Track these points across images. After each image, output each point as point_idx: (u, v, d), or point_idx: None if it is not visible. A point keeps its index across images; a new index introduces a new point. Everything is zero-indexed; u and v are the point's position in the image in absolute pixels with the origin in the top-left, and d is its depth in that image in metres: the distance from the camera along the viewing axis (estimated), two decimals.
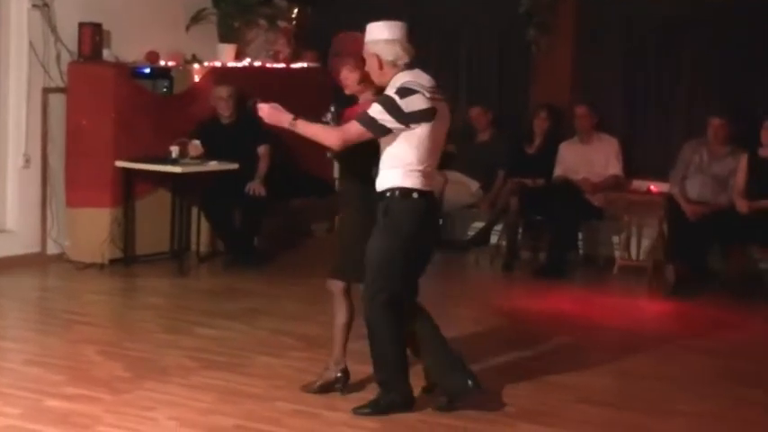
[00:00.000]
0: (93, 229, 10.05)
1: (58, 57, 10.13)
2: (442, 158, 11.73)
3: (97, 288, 9.54)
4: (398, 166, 6.22)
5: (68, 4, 10.13)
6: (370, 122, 6.14)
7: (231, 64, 11.34)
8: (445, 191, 11.12)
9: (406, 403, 6.44)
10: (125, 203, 10.16)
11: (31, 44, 9.93)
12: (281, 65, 11.84)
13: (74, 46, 10.17)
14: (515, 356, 7.78)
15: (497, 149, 11.36)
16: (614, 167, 10.91)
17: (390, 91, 6.18)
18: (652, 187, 10.87)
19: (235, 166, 10.28)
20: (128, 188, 10.16)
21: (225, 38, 11.47)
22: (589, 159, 10.92)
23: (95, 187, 10.06)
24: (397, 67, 6.26)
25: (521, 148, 11.36)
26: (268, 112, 6.33)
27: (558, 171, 11.03)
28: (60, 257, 10.23)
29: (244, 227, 10.57)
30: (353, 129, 6.19)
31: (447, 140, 11.76)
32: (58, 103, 10.16)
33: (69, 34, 10.13)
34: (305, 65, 12.01)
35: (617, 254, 10.95)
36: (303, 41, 12.16)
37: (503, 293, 10.19)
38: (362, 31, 6.40)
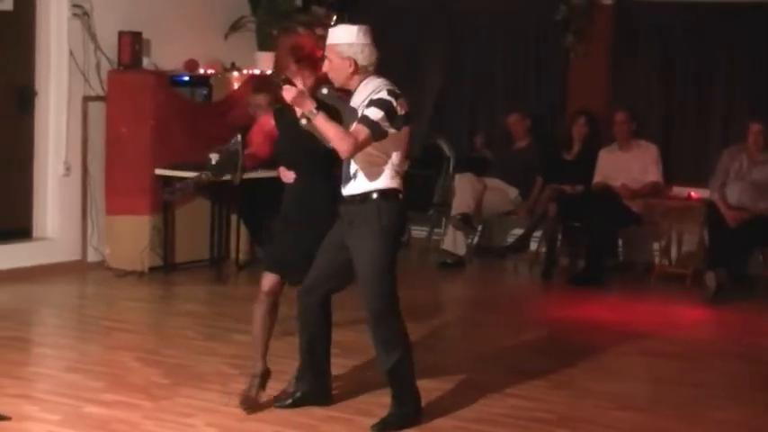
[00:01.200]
0: (132, 237, 10.12)
1: (98, 65, 10.21)
2: (479, 165, 11.83)
3: (136, 295, 9.59)
4: (383, 167, 6.16)
5: (108, 13, 10.22)
6: (375, 127, 6.04)
7: (269, 71, 11.38)
8: (484, 198, 11.13)
9: (417, 413, 6.43)
10: (164, 211, 10.22)
11: (71, 53, 10.01)
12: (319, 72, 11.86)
13: (113, 54, 10.24)
14: (553, 363, 7.76)
15: (535, 156, 11.34)
16: (653, 174, 10.87)
17: (382, 93, 6.10)
18: (692, 193, 10.84)
19: (273, 173, 10.29)
20: None
21: (263, 46, 11.52)
22: (628, 166, 10.88)
23: (135, 195, 10.12)
24: (368, 71, 6.23)
25: (559, 154, 11.34)
26: (293, 93, 6.10)
27: (597, 178, 11.00)
28: (100, 265, 10.29)
29: None
30: (363, 136, 6.03)
31: (484, 147, 11.89)
32: (97, 111, 10.23)
33: (109, 43, 10.21)
34: None
35: (657, 260, 10.91)
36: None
37: (541, 300, 10.17)
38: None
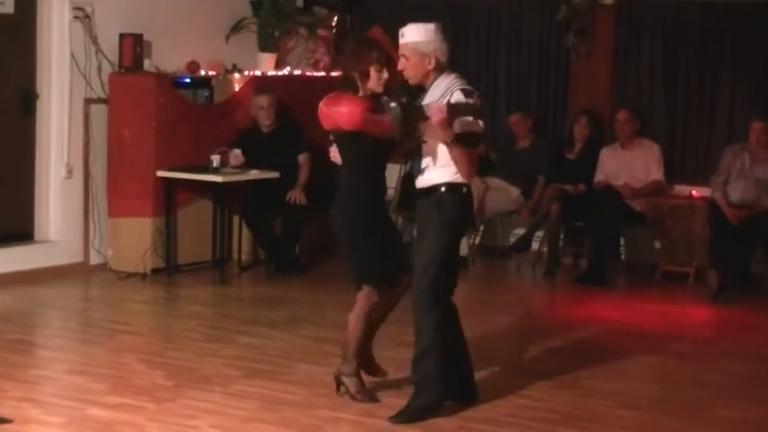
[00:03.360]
0: (135, 239, 10.12)
1: (100, 68, 10.21)
2: (483, 165, 11.82)
3: (139, 297, 9.59)
4: (449, 162, 6.32)
5: (109, 16, 10.21)
6: (481, 131, 6.28)
7: (271, 73, 11.38)
8: (486, 197, 11.12)
9: (434, 404, 6.45)
10: (167, 213, 10.21)
11: (72, 55, 10.01)
12: (321, 73, 11.87)
13: (115, 57, 10.24)
14: (556, 363, 7.76)
15: (537, 156, 11.33)
16: (656, 173, 10.86)
17: (460, 95, 6.23)
18: (694, 192, 10.83)
19: (275, 174, 10.32)
20: (169, 198, 10.20)
21: (265, 47, 11.52)
22: (630, 165, 10.87)
23: (137, 197, 10.12)
24: (443, 68, 6.37)
25: (561, 154, 11.34)
26: (440, 120, 6.19)
27: (598, 177, 10.99)
28: (103, 267, 10.29)
29: (285, 235, 10.61)
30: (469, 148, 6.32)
31: (487, 147, 11.88)
32: (99, 113, 10.23)
33: (110, 45, 10.20)
34: None
35: (659, 259, 10.90)
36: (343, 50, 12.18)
37: (544, 300, 10.18)
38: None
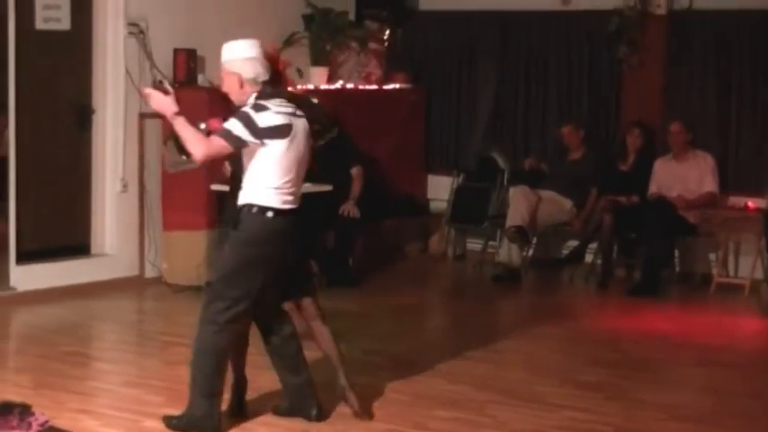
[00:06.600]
0: (189, 252, 10.18)
1: (154, 83, 10.30)
2: (534, 176, 11.81)
3: (194, 310, 9.51)
4: (256, 183, 6.24)
5: (163, 31, 10.32)
6: (227, 135, 6.15)
7: (323, 87, 11.44)
8: (539, 209, 11.12)
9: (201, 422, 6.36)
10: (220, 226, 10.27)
11: (127, 70, 10.12)
12: (373, 86, 11.93)
13: (169, 71, 10.34)
14: (609, 374, 7.75)
15: (589, 167, 11.31)
16: (709, 184, 10.81)
17: (246, 107, 6.20)
18: (749, 203, 10.76)
19: (328, 187, 10.34)
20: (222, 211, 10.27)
21: (317, 61, 11.59)
22: (683, 176, 10.83)
23: (191, 210, 10.18)
24: (257, 84, 6.28)
25: (614, 165, 11.31)
26: (156, 97, 6.25)
27: (652, 188, 10.95)
28: (158, 280, 10.37)
29: (337, 248, 10.65)
30: (215, 142, 6.17)
31: (539, 158, 11.86)
32: (153, 128, 10.32)
33: (164, 60, 10.31)
34: (396, 86, 12.09)
35: (714, 271, 10.85)
36: (394, 63, 12.24)
37: (597, 312, 10.14)
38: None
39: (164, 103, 6.25)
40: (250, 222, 6.25)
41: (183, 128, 6.19)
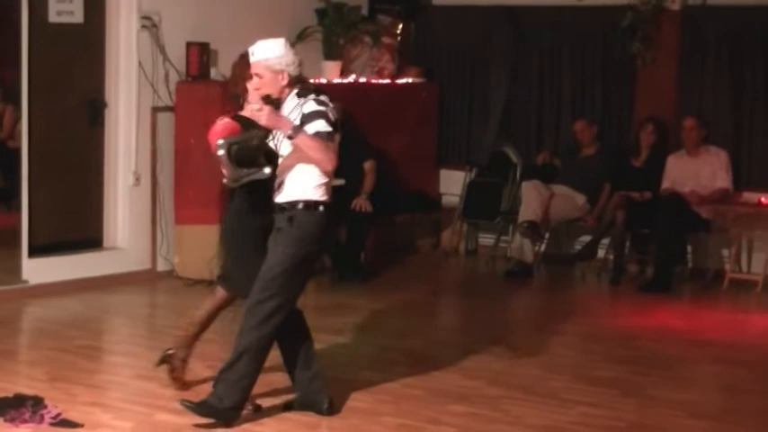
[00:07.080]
0: (201, 246, 10.17)
1: (167, 76, 10.31)
2: (546, 172, 11.79)
3: None
4: (309, 177, 6.25)
5: (176, 25, 10.32)
6: (328, 136, 6.16)
7: (336, 81, 11.43)
8: (551, 205, 11.10)
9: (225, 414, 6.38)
10: None
11: (140, 64, 10.12)
12: (386, 81, 11.91)
13: (182, 65, 10.33)
14: (622, 371, 7.73)
15: (602, 163, 11.29)
16: (723, 180, 10.78)
17: (312, 105, 6.18)
18: (762, 199, 10.73)
19: (341, 181, 10.33)
20: None
21: (329, 55, 11.58)
22: (697, 172, 10.80)
23: (203, 204, 10.18)
24: (298, 81, 6.32)
25: (627, 161, 11.28)
26: (269, 112, 6.16)
27: (665, 183, 10.93)
28: (170, 274, 10.38)
29: (349, 243, 10.64)
30: (331, 149, 6.18)
31: (551, 154, 11.85)
32: (166, 121, 10.33)
33: (177, 54, 10.30)
34: (409, 80, 12.08)
35: (727, 267, 10.82)
36: (407, 57, 12.22)
37: (610, 308, 10.13)
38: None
39: (279, 118, 6.18)
40: (304, 219, 6.24)
41: (308, 143, 6.12)
